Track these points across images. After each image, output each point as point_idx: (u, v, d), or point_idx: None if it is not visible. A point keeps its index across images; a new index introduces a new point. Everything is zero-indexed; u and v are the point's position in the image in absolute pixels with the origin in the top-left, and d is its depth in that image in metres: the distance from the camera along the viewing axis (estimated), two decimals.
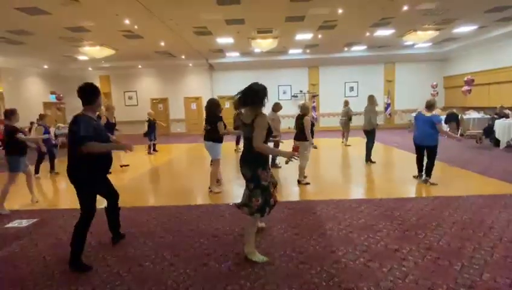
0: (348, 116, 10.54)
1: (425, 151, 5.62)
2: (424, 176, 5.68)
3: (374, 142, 7.65)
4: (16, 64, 13.41)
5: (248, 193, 3.06)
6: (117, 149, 3.37)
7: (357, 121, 10.40)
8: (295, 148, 3.06)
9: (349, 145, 10.44)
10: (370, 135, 7.53)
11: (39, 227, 4.19)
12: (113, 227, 3.59)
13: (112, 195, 3.45)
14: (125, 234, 3.72)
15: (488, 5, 8.14)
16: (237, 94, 3.04)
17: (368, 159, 7.65)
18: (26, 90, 14.31)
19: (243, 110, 3.16)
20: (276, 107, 7.24)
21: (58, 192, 6.39)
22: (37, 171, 7.36)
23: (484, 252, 3.06)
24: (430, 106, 5.56)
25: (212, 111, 5.40)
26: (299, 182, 5.93)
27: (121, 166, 7.95)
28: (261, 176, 2.98)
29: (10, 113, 4.96)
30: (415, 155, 5.91)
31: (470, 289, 2.50)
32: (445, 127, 11.86)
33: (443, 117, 12.11)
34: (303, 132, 5.69)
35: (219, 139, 5.41)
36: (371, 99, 7.56)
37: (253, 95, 2.96)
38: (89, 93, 3.11)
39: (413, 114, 15.39)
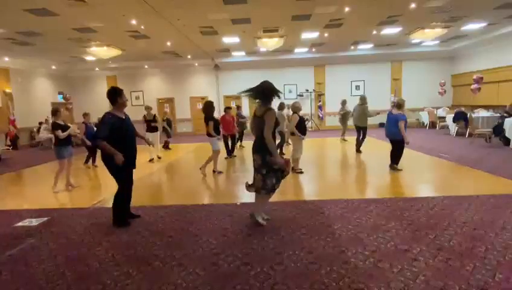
0: (341, 114, 11.29)
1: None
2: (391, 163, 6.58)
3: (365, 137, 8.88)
4: (25, 65, 13.57)
5: (261, 177, 3.65)
6: (114, 154, 3.76)
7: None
8: (286, 162, 3.74)
9: (346, 141, 11.25)
10: (362, 130, 8.77)
11: (49, 226, 4.23)
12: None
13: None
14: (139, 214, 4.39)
15: (497, 1, 8.02)
16: (248, 90, 3.70)
17: (358, 150, 8.86)
18: (35, 91, 14.49)
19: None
20: (281, 106, 8.70)
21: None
22: (87, 161, 8.38)
23: (497, 253, 3.01)
24: (399, 105, 6.38)
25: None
26: (293, 169, 6.30)
27: (150, 160, 8.72)
28: (270, 161, 3.57)
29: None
30: (412, 153, 6.83)
31: None
32: (452, 126, 11.80)
33: (451, 116, 11.98)
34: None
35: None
36: (363, 99, 8.77)
37: (263, 92, 3.65)
38: (110, 95, 3.93)
39: (420, 113, 15.38)
